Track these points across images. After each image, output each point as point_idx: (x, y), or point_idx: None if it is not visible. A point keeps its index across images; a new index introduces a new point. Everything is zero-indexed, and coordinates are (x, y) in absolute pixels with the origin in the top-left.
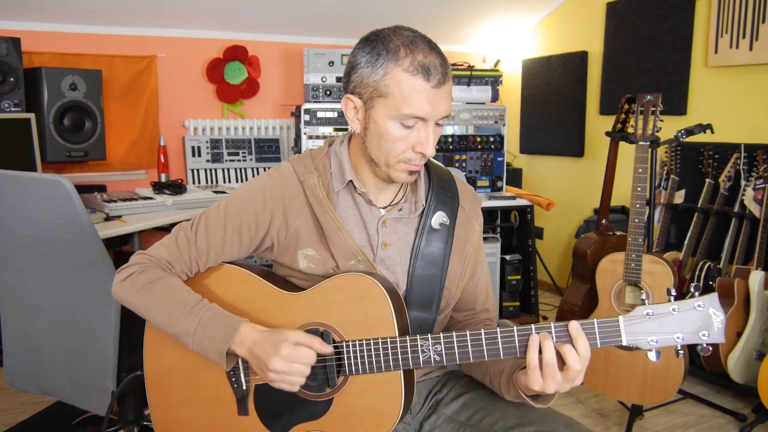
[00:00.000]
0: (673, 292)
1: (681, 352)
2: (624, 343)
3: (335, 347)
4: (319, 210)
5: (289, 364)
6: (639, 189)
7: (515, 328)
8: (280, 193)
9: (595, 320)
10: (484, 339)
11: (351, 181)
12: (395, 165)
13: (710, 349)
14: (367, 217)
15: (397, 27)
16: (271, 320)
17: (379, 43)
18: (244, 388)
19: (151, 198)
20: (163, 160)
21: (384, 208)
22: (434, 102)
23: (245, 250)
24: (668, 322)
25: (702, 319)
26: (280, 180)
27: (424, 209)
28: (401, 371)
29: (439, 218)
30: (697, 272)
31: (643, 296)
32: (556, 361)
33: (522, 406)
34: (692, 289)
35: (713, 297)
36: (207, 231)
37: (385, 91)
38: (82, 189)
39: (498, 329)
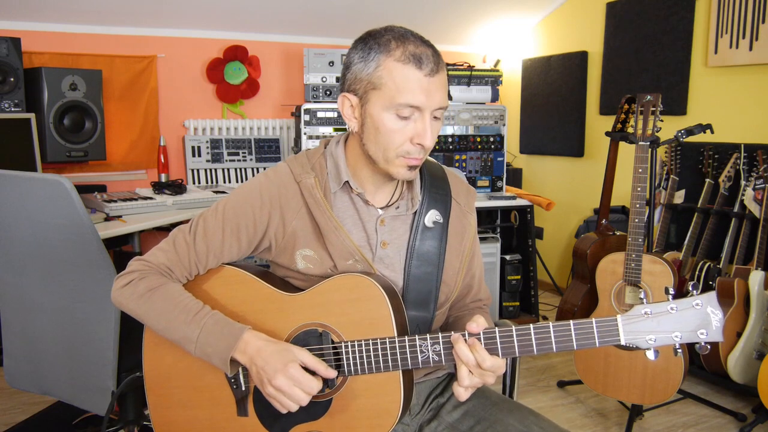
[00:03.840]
0: (672, 291)
1: (679, 350)
2: (622, 342)
3: (334, 348)
4: (317, 210)
5: (292, 387)
6: (639, 189)
7: (514, 328)
8: (277, 194)
9: (593, 319)
10: (483, 338)
11: (347, 182)
12: (394, 160)
13: (708, 347)
14: (365, 216)
15: (389, 25)
16: (269, 321)
17: (370, 39)
18: (244, 389)
19: (151, 198)
20: (163, 160)
21: (381, 208)
22: (428, 91)
23: (244, 252)
24: (666, 321)
25: (700, 318)
26: (277, 180)
27: (418, 207)
28: (400, 371)
29: (432, 216)
30: (697, 272)
31: (642, 295)
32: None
33: (525, 420)
34: (690, 288)
35: (711, 296)
36: (206, 234)
37: (379, 83)
38: (82, 189)
39: (496, 329)
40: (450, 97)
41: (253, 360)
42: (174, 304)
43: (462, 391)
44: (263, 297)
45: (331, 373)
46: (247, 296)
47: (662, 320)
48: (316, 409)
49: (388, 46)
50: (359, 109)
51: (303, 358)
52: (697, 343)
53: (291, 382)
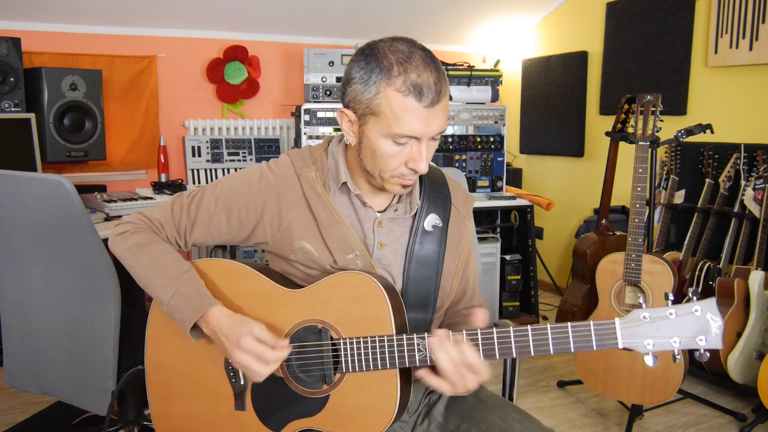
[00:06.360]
0: (671, 297)
1: (678, 357)
2: (620, 346)
3: (333, 344)
4: (317, 203)
5: (250, 361)
6: (639, 189)
7: (511, 329)
8: (275, 184)
9: (591, 322)
10: (480, 338)
11: (345, 183)
12: (389, 179)
13: (708, 355)
14: (362, 217)
15: (394, 39)
16: (269, 316)
17: (373, 59)
18: (242, 383)
19: (151, 198)
20: (163, 160)
21: (379, 211)
22: (427, 121)
23: (233, 234)
24: (665, 326)
25: (699, 324)
26: (277, 171)
27: (417, 211)
28: (397, 370)
29: (431, 220)
30: (697, 272)
31: (641, 299)
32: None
33: (507, 417)
34: (690, 294)
35: (711, 302)
36: (200, 203)
37: (377, 110)
38: (82, 189)
39: (494, 329)
40: (450, 98)
41: (215, 334)
42: (156, 263)
43: (437, 382)
44: (264, 292)
45: (284, 354)
46: (247, 290)
47: (661, 325)
48: (313, 405)
49: (389, 73)
50: (357, 126)
51: (256, 331)
52: (697, 350)
53: (247, 355)
